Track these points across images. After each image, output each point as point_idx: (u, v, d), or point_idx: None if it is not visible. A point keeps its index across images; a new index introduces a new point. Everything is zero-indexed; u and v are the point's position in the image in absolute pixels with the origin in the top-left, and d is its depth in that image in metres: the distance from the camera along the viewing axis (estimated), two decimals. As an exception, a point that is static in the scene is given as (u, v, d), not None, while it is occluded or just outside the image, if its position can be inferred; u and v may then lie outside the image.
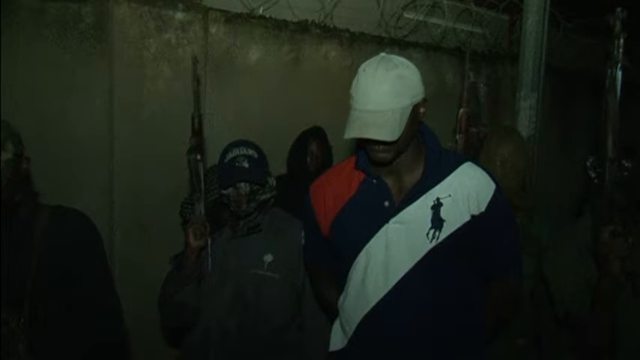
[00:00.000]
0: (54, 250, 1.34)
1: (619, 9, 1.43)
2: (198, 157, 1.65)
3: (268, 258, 1.71)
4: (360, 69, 1.31)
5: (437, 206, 1.35)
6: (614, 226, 1.43)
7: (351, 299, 1.43)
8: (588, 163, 1.52)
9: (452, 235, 1.35)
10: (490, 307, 1.47)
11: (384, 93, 1.26)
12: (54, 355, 1.35)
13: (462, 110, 1.96)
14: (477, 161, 1.49)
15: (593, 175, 1.50)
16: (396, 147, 1.31)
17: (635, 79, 1.54)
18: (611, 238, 1.42)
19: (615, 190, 1.46)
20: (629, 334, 1.52)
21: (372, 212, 1.39)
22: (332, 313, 1.58)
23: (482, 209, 1.37)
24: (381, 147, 1.31)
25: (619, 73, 1.42)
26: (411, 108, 1.29)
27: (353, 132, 1.27)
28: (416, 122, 1.34)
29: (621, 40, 1.42)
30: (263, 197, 1.73)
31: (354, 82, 1.31)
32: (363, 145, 1.35)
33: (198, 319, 1.70)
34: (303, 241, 1.64)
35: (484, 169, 1.44)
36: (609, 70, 1.43)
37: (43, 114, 2.25)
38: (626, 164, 1.50)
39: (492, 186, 1.40)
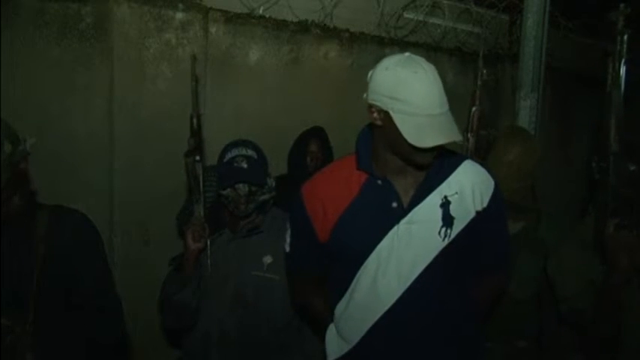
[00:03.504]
0: (55, 252, 1.33)
1: (622, 5, 1.45)
2: (197, 157, 1.64)
3: (268, 259, 1.70)
4: (405, 70, 1.23)
5: (446, 204, 1.35)
6: (620, 219, 1.43)
7: (357, 304, 1.39)
8: (594, 164, 1.52)
9: (462, 232, 1.35)
10: (481, 301, 1.48)
11: (442, 94, 1.25)
12: (55, 357, 1.33)
13: (474, 109, 1.93)
14: (477, 160, 1.49)
15: (597, 177, 1.51)
16: (439, 147, 1.29)
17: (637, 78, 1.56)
18: (617, 231, 1.43)
19: (622, 184, 1.47)
20: (632, 331, 1.52)
21: (379, 214, 1.35)
22: (321, 321, 1.53)
23: (485, 204, 1.37)
24: (434, 151, 1.28)
25: (623, 69, 1.44)
26: None
27: (435, 139, 1.22)
28: None
29: (625, 36, 1.44)
30: (262, 198, 1.71)
31: (400, 84, 1.22)
32: (407, 150, 1.27)
33: (198, 321, 1.70)
34: (287, 248, 1.52)
35: (483, 165, 1.44)
36: (612, 66, 1.45)
37: (43, 114, 2.25)
38: (631, 168, 1.50)
39: (492, 181, 1.41)
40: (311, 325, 1.68)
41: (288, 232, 1.51)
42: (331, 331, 1.49)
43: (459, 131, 1.26)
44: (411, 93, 1.22)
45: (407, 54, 1.29)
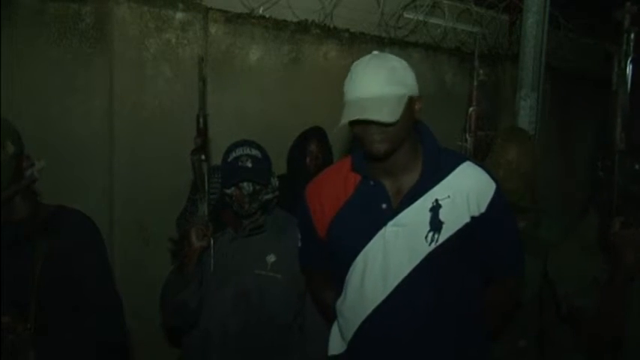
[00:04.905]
0: (55, 251, 1.33)
1: (628, 3, 1.47)
2: (203, 157, 1.64)
3: (271, 258, 1.70)
4: (353, 65, 1.32)
5: (435, 208, 1.33)
6: (625, 217, 1.44)
7: (349, 303, 1.41)
8: (598, 163, 1.52)
9: (451, 238, 1.33)
10: (492, 306, 1.47)
11: (380, 80, 1.25)
12: (56, 356, 1.33)
13: (471, 109, 1.93)
14: (477, 161, 1.48)
15: (601, 176, 1.51)
16: (392, 137, 1.28)
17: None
18: (622, 229, 1.43)
19: (629, 182, 1.47)
20: (634, 330, 1.52)
21: (369, 215, 1.36)
22: (329, 316, 1.55)
23: (483, 210, 1.35)
24: (378, 136, 1.27)
25: (629, 67, 1.44)
26: (407, 98, 1.27)
27: (349, 116, 1.24)
28: (412, 117, 1.31)
29: (632, 35, 1.45)
30: (266, 197, 1.72)
31: (347, 78, 1.31)
32: (360, 136, 1.31)
33: (199, 319, 1.70)
34: (299, 244, 1.60)
35: (484, 168, 1.42)
36: (618, 64, 1.45)
37: (43, 114, 2.25)
38: (637, 167, 1.50)
39: (493, 185, 1.37)
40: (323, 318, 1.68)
41: (298, 229, 1.59)
42: (335, 328, 1.51)
43: (391, 114, 1.23)
44: (347, 83, 1.31)
45: (374, 52, 1.34)
